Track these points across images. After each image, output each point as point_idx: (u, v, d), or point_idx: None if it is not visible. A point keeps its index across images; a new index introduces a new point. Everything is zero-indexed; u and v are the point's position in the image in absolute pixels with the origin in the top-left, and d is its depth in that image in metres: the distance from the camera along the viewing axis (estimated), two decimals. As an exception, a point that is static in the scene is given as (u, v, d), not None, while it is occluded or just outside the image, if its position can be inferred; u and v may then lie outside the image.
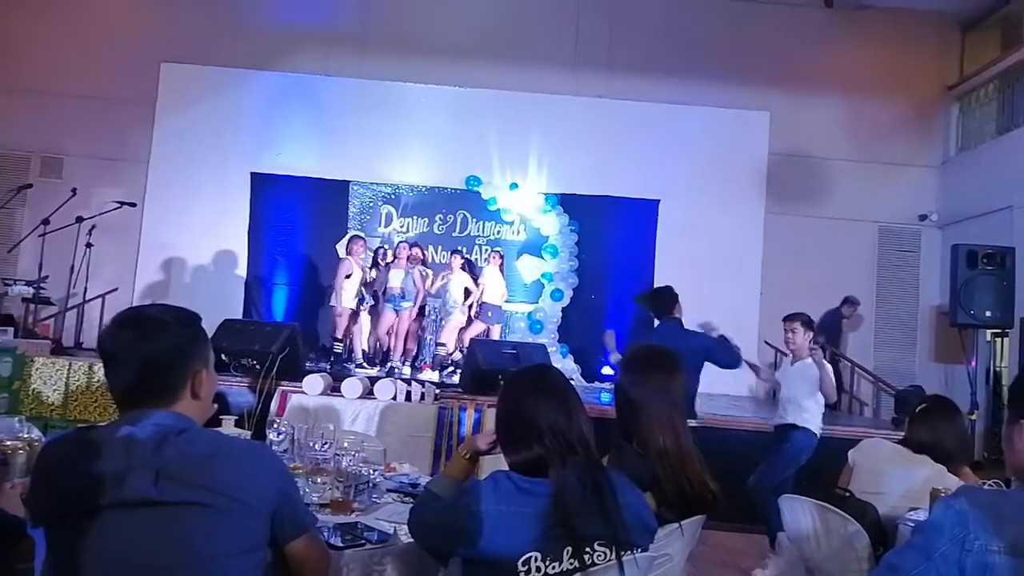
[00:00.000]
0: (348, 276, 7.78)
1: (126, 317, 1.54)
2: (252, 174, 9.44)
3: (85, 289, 7.37)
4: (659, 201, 9.55)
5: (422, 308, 8.33)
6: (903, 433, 2.98)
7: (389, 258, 8.26)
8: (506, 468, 1.81)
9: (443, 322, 8.34)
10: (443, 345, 8.20)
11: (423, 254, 8.53)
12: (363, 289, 7.96)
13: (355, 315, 7.97)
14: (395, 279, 7.93)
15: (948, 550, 1.76)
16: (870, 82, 9.63)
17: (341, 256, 8.31)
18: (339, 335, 7.89)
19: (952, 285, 6.56)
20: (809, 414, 4.59)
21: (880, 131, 9.69)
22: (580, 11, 9.69)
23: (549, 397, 1.81)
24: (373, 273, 8.31)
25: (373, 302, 8.13)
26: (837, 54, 9.69)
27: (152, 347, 1.48)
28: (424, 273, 8.30)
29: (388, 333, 8.11)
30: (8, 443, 2.12)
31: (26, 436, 2.23)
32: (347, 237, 8.73)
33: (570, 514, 1.65)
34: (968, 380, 6.60)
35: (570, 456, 1.73)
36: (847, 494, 2.69)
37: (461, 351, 8.21)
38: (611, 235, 9.51)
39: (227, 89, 9.47)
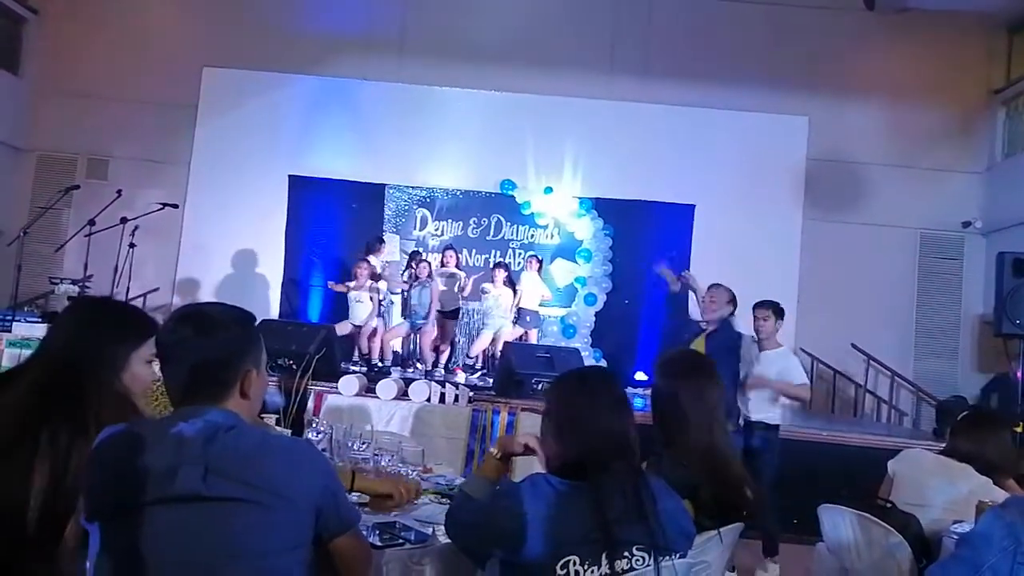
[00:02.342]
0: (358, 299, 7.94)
1: (185, 314, 1.57)
2: (290, 176, 9.57)
3: (127, 289, 7.52)
4: (695, 206, 9.47)
5: (456, 311, 8.35)
6: (944, 444, 2.92)
7: (423, 278, 8.10)
8: (537, 469, 1.81)
9: (479, 330, 8.34)
10: (472, 358, 8.25)
11: (457, 257, 8.55)
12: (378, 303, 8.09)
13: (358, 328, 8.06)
14: (425, 298, 7.89)
15: (998, 562, 1.72)
16: (912, 86, 9.46)
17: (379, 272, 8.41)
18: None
19: (997, 294, 6.39)
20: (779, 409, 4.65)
21: (922, 136, 9.50)
22: (616, 15, 9.66)
23: (606, 400, 1.79)
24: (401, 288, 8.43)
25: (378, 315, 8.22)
26: (878, 57, 9.53)
27: (208, 344, 1.51)
28: (456, 277, 8.31)
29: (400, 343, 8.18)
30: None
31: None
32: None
33: (609, 519, 1.64)
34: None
35: (615, 461, 1.73)
36: (889, 505, 2.65)
37: (494, 356, 8.28)
38: (646, 240, 9.44)
39: (267, 93, 9.62)
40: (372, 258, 8.20)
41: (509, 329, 8.16)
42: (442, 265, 8.36)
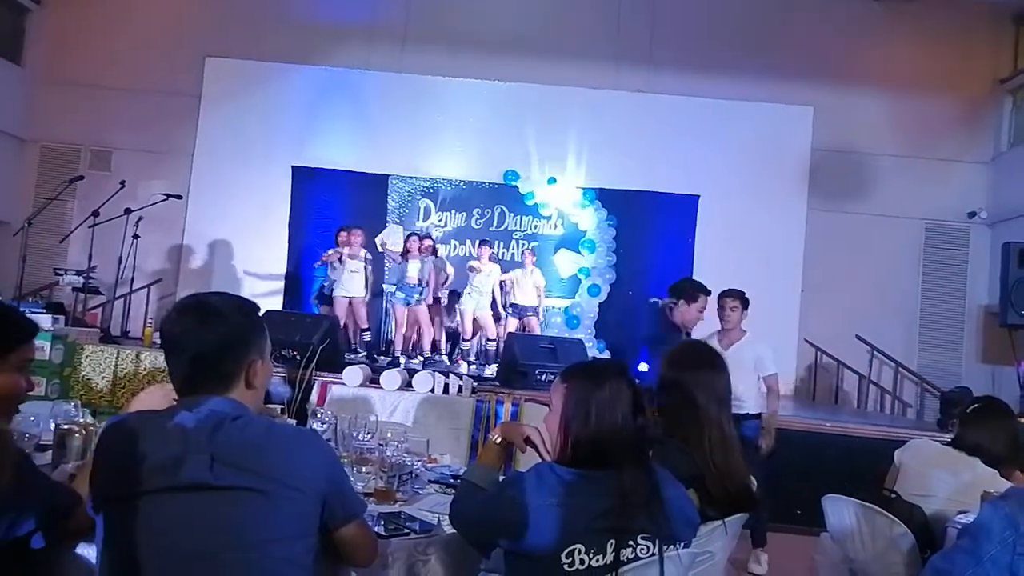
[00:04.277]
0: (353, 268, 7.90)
1: (187, 304, 1.56)
2: (293, 167, 9.57)
3: (132, 279, 7.55)
4: (699, 197, 9.45)
5: (436, 300, 8.28)
6: (949, 435, 2.91)
7: (407, 249, 8.11)
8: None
9: (462, 310, 8.33)
10: (467, 341, 8.26)
11: (435, 246, 8.55)
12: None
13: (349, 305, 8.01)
14: (412, 270, 7.92)
15: (998, 553, 1.72)
16: (918, 76, 9.41)
17: (379, 250, 8.44)
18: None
19: (1002, 284, 6.40)
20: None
21: (928, 126, 9.47)
22: (621, 4, 9.61)
23: (624, 395, 1.78)
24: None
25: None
26: (884, 47, 9.48)
27: (210, 335, 1.51)
28: (439, 264, 8.29)
29: (399, 325, 8.14)
30: (65, 427, 2.19)
31: (81, 420, 2.30)
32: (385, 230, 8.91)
33: (618, 507, 1.65)
34: (1017, 382, 6.44)
35: (627, 452, 1.73)
36: (893, 495, 2.65)
37: (487, 344, 8.32)
38: (650, 231, 9.45)
39: (270, 83, 9.62)
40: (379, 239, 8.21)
41: (486, 310, 8.21)
42: (420, 252, 8.16)
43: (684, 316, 4.46)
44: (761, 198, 9.30)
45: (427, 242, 8.28)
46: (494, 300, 8.37)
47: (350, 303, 7.94)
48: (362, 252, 7.98)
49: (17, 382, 1.63)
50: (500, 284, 8.41)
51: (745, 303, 4.67)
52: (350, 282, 7.90)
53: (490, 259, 8.34)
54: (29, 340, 1.67)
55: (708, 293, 4.55)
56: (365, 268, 7.98)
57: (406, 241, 8.13)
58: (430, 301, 8.04)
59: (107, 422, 1.55)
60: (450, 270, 8.44)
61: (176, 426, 1.44)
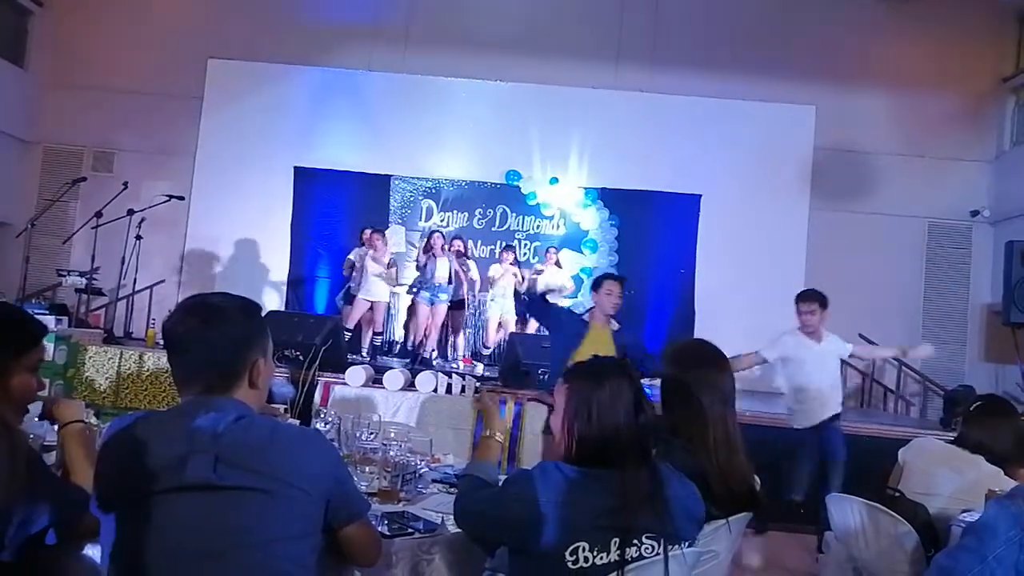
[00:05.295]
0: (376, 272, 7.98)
1: (191, 304, 1.56)
2: (295, 168, 9.57)
3: (135, 280, 7.55)
4: (701, 196, 9.43)
5: (460, 301, 8.35)
6: (953, 433, 2.91)
7: (431, 246, 8.23)
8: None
9: (486, 319, 8.36)
10: (488, 348, 8.29)
11: (464, 246, 8.56)
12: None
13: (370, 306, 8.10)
14: (441, 269, 7.98)
15: (1004, 552, 1.72)
16: (921, 75, 9.39)
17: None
18: (350, 324, 7.95)
19: (1005, 283, 6.41)
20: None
21: (931, 125, 9.44)
22: (623, 4, 9.60)
23: (625, 395, 1.78)
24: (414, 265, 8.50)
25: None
26: (886, 46, 9.46)
27: (213, 334, 1.51)
28: (466, 266, 8.35)
29: (415, 325, 8.20)
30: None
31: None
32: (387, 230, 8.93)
33: (621, 506, 1.65)
34: (1021, 379, 6.43)
35: (629, 451, 1.73)
36: (897, 494, 2.64)
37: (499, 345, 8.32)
38: (652, 230, 9.44)
39: (272, 84, 9.61)
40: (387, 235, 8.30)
41: (510, 313, 8.24)
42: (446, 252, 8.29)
43: (598, 302, 4.82)
44: (763, 197, 9.29)
45: (456, 243, 8.38)
46: (517, 298, 8.35)
47: (371, 307, 8.02)
48: (386, 258, 8.05)
49: (30, 383, 1.66)
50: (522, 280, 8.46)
51: (823, 304, 4.70)
52: (373, 286, 7.98)
53: (513, 263, 8.36)
54: (40, 342, 1.69)
55: (612, 278, 4.88)
56: (388, 273, 8.05)
57: (430, 238, 8.19)
58: (445, 305, 8.07)
59: (111, 424, 1.56)
60: (475, 274, 8.49)
61: (181, 427, 1.44)
